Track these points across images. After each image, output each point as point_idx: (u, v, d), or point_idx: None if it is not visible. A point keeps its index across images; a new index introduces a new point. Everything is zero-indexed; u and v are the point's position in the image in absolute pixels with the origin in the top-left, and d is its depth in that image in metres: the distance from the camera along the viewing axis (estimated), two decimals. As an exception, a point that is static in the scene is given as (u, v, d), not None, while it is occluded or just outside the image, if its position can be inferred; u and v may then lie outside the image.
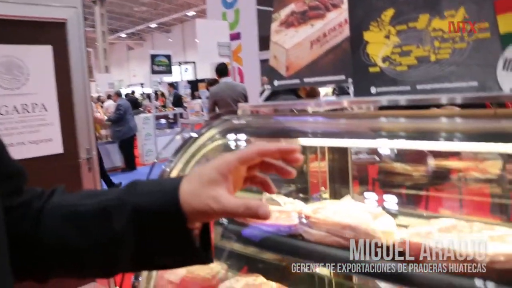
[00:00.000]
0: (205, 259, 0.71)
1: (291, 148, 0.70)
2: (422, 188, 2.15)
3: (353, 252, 1.12)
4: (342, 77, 1.41)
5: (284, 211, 1.44)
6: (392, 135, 1.21)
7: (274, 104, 1.57)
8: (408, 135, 1.20)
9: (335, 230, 1.16)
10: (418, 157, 2.62)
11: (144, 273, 1.59)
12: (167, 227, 0.67)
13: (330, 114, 1.41)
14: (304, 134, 1.39)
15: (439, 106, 1.21)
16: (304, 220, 1.25)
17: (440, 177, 2.22)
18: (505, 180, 1.96)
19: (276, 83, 1.60)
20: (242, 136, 1.53)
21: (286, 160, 0.71)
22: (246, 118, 1.58)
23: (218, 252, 2.01)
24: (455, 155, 2.30)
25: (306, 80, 1.52)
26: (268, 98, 1.95)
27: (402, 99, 1.20)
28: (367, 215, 1.17)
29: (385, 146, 1.46)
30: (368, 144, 1.48)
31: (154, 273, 1.62)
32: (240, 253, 1.95)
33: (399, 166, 2.24)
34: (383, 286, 2.28)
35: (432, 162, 2.27)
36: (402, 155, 2.69)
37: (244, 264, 2.07)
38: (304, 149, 1.95)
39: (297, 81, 1.54)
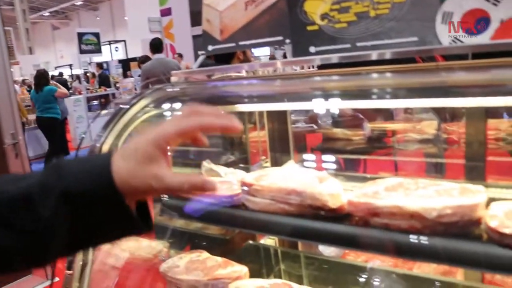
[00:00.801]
0: (145, 228, 0.68)
1: (233, 125, 0.69)
2: (363, 152, 2.17)
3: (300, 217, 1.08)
4: (280, 38, 1.34)
5: (225, 181, 1.37)
6: (333, 94, 1.17)
7: (209, 69, 1.48)
8: (349, 93, 1.16)
9: (280, 196, 1.11)
10: (357, 121, 2.64)
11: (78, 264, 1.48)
12: (104, 208, 0.63)
13: (268, 76, 1.34)
14: (243, 99, 1.32)
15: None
16: (246, 189, 1.19)
17: (380, 140, 2.25)
18: (441, 139, 2.00)
19: (210, 48, 1.51)
20: (177, 105, 1.44)
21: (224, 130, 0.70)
22: (180, 86, 1.49)
23: (159, 230, 1.93)
24: (393, 117, 2.33)
25: (241, 43, 1.44)
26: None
27: (336, 57, 1.15)
28: (312, 179, 1.13)
29: (327, 106, 1.41)
30: (309, 106, 1.43)
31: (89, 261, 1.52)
32: (183, 230, 1.88)
33: (339, 132, 2.24)
34: (327, 252, 2.29)
35: (371, 126, 2.28)
36: (341, 121, 2.70)
37: (187, 242, 2.01)
38: (243, 118, 1.89)
39: (232, 44, 1.46)
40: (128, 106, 1.39)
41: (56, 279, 1.66)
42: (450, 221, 0.93)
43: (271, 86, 1.30)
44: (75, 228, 0.63)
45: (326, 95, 1.18)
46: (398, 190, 1.03)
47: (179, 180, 0.64)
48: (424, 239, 0.93)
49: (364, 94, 1.16)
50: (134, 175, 0.62)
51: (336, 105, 1.31)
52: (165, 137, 0.65)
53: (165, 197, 1.45)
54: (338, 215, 1.06)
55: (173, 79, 1.58)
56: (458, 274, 1.83)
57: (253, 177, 1.21)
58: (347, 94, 1.17)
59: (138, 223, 0.66)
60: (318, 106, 1.34)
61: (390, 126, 2.17)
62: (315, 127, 3.85)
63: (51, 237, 0.62)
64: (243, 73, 1.57)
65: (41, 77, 8.32)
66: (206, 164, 1.50)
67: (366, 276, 1.55)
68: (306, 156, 1.79)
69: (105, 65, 16.37)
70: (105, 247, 1.79)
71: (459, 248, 0.91)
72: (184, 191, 0.65)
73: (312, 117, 3.96)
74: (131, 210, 0.64)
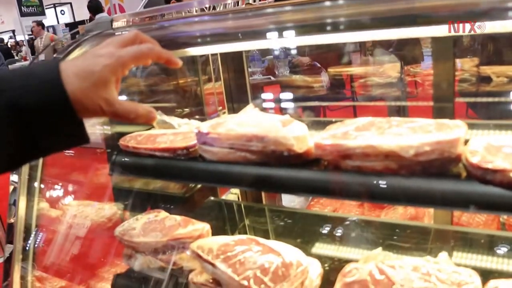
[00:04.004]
0: (88, 140, 0.69)
1: (175, 60, 0.76)
2: (326, 99, 2.07)
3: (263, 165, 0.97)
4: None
5: (179, 133, 1.25)
6: (292, 27, 1.04)
7: (154, 10, 1.32)
8: (311, 26, 1.03)
9: (240, 143, 1.00)
10: (314, 70, 2.54)
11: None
12: (55, 122, 0.64)
13: (222, 11, 1.20)
14: (193, 39, 1.18)
15: None
16: (202, 138, 1.07)
17: (343, 85, 2.16)
18: (405, 82, 1.93)
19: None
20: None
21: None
22: (123, 30, 1.33)
23: (116, 193, 1.82)
24: (351, 62, 2.23)
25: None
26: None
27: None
28: (275, 122, 1.01)
29: (287, 43, 1.28)
30: (268, 44, 1.30)
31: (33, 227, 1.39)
32: (141, 191, 1.77)
33: (298, 79, 2.12)
34: (292, 205, 2.23)
35: (332, 71, 2.18)
36: (298, 71, 2.59)
37: (146, 203, 1.90)
38: (196, 68, 1.75)
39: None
40: (61, 56, 1.23)
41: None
42: (428, 159, 0.84)
43: (224, 22, 1.16)
44: (21, 141, 0.63)
45: (285, 29, 1.06)
46: (370, 129, 0.93)
47: (127, 108, 0.69)
48: (402, 180, 0.84)
49: (329, 26, 1.03)
50: (87, 95, 0.63)
51: (298, 40, 1.18)
52: (122, 65, 0.67)
53: (118, 156, 1.32)
54: (305, 161, 0.96)
55: (115, 24, 1.42)
56: (425, 219, 1.81)
57: (209, 125, 1.09)
58: (308, 27, 1.05)
59: (85, 136, 0.68)
60: (278, 42, 1.20)
61: (352, 70, 2.08)
62: (272, 78, 3.74)
63: None
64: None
65: None
66: (158, 115, 1.36)
67: (335, 226, 1.48)
68: (265, 104, 1.68)
69: (51, 30, 15.60)
70: (53, 214, 1.66)
71: (440, 188, 0.83)
72: (129, 119, 0.70)
73: (269, 68, 3.84)
74: (84, 125, 0.66)
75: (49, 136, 0.65)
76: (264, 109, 1.47)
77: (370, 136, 0.90)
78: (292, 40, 1.18)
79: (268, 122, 1.02)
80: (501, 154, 0.81)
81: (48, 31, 14.53)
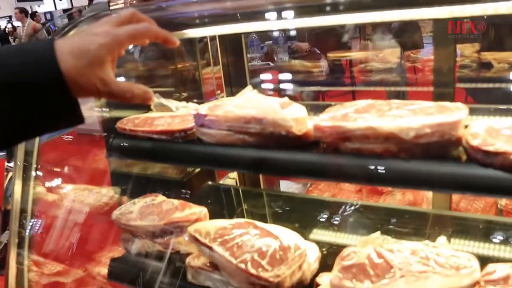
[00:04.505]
0: (82, 120, 0.67)
1: (173, 38, 0.75)
2: (326, 84, 2.06)
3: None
4: None
5: (177, 115, 1.23)
6: (295, 7, 1.02)
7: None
8: (313, 7, 1.02)
9: (238, 126, 0.98)
10: (313, 56, 2.53)
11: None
12: (49, 101, 0.62)
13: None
14: (193, 20, 1.16)
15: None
16: (200, 120, 1.05)
17: (342, 70, 2.14)
18: (405, 68, 1.91)
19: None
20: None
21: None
22: (120, 11, 1.31)
23: (114, 177, 1.81)
24: (353, 47, 2.22)
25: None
26: None
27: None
28: (274, 104, 1.00)
29: (290, 23, 1.25)
30: (267, 26, 1.28)
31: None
32: (139, 175, 1.77)
33: (297, 63, 2.11)
34: (290, 190, 2.22)
35: (332, 55, 2.17)
36: (297, 57, 2.57)
37: (144, 188, 1.89)
38: (194, 47, 1.73)
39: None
40: (56, 38, 1.21)
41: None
42: (428, 142, 0.83)
43: (223, 2, 1.14)
44: (14, 119, 0.61)
45: (284, 9, 1.04)
46: (370, 112, 0.92)
47: (123, 88, 0.68)
48: (401, 163, 0.83)
49: (329, 6, 1.02)
50: (82, 74, 0.62)
51: (297, 22, 1.16)
52: (119, 44, 0.66)
53: (115, 139, 1.30)
54: (304, 143, 0.95)
55: (113, 6, 1.40)
56: (424, 205, 1.80)
57: (207, 107, 1.08)
58: (308, 8, 1.04)
59: (80, 117, 0.66)
60: (278, 24, 1.18)
61: (352, 55, 2.06)
62: (271, 64, 3.72)
63: None
64: None
65: None
66: (156, 98, 1.35)
67: (333, 211, 1.47)
68: (264, 86, 1.66)
69: (48, 16, 15.51)
70: (50, 198, 1.65)
71: (440, 171, 0.82)
72: (125, 99, 0.69)
73: (268, 54, 3.81)
74: (78, 104, 0.64)
75: (43, 115, 0.63)
76: (262, 92, 1.46)
77: (370, 118, 0.89)
78: (291, 22, 1.16)
79: (267, 104, 1.01)
80: (502, 137, 0.81)
81: (45, 17, 14.43)
